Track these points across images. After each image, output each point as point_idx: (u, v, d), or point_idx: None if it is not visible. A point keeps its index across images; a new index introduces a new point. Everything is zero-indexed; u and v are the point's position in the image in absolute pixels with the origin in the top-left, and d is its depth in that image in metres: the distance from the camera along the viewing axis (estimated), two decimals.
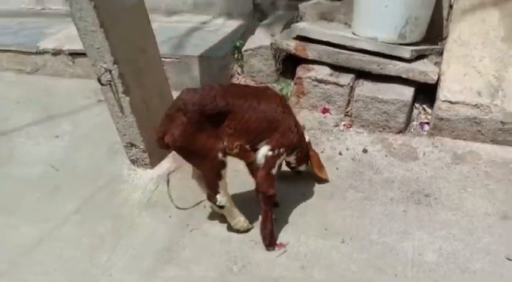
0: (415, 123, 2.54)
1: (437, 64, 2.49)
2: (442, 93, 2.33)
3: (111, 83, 2.07)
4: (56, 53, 3.34)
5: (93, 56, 2.01)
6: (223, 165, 1.78)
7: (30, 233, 2.13)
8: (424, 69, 2.42)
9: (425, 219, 1.97)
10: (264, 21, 3.12)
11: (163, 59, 2.95)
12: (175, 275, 1.85)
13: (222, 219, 2.05)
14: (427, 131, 2.46)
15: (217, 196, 1.84)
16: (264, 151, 1.81)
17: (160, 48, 3.10)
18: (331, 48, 2.60)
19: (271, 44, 2.77)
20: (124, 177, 2.43)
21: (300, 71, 2.67)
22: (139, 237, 2.05)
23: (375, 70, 2.50)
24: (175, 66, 2.98)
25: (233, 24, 3.30)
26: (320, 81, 2.58)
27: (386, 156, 2.36)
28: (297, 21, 3.07)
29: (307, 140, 2.09)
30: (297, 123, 1.92)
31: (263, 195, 1.83)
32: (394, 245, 1.87)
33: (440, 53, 2.53)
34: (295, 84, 2.68)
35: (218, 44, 3.03)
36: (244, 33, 3.15)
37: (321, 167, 2.18)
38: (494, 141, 2.30)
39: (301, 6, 3.05)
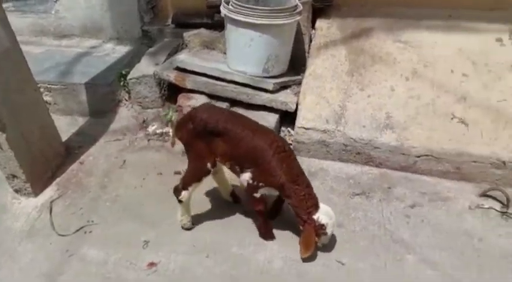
0: None
1: (297, 94, 2.89)
2: (299, 121, 2.74)
3: None
4: None
5: None
6: (207, 173, 2.17)
7: None
8: (284, 100, 2.81)
9: (278, 232, 2.32)
10: (150, 49, 3.33)
11: (50, 86, 3.08)
12: None
13: (100, 244, 2.26)
14: None
15: (183, 192, 2.20)
16: (245, 177, 2.12)
17: (47, 75, 3.22)
18: (208, 80, 2.90)
19: (154, 74, 3.00)
20: (7, 206, 2.52)
21: (181, 99, 2.93)
22: (19, 265, 2.19)
23: (245, 99, 2.84)
24: (62, 92, 3.09)
25: (121, 50, 3.47)
26: None
27: None
28: (182, 49, 3.33)
29: (318, 218, 2.08)
30: (295, 180, 2.05)
31: (254, 210, 2.23)
32: (249, 257, 2.20)
33: (301, 83, 2.94)
34: (176, 111, 2.94)
35: (105, 71, 3.19)
36: (132, 58, 3.33)
37: (305, 245, 2.13)
38: (340, 160, 2.75)
39: (185, 35, 3.31)
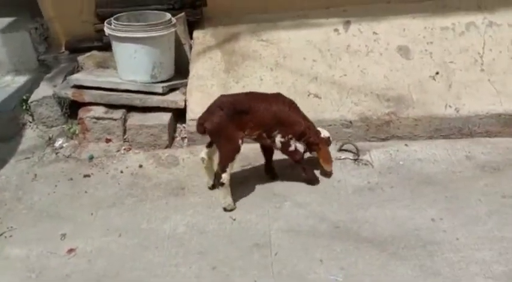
0: (178, 138, 3.37)
1: (185, 93, 3.38)
2: (188, 115, 3.23)
3: None
4: None
5: None
6: (238, 149, 2.57)
7: None
8: (174, 99, 3.29)
9: (180, 205, 2.75)
10: (48, 75, 3.64)
11: None
12: None
13: (21, 243, 2.52)
14: (186, 143, 3.32)
15: (223, 175, 2.56)
16: (278, 138, 2.66)
17: None
18: (103, 92, 3.29)
19: (53, 94, 3.33)
20: None
21: (81, 112, 3.28)
22: None
23: (139, 104, 3.27)
24: None
25: (20, 80, 3.75)
26: (98, 118, 3.24)
27: (156, 167, 3.12)
28: (78, 71, 3.68)
29: (323, 135, 2.82)
30: (305, 118, 2.74)
31: (294, 161, 2.78)
32: (156, 228, 2.59)
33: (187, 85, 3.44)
34: (78, 123, 3.28)
35: (6, 100, 3.47)
36: (32, 86, 3.61)
37: (326, 160, 2.81)
38: None
39: (79, 58, 3.69)
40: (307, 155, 2.89)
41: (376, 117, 3.13)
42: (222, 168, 2.58)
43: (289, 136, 2.68)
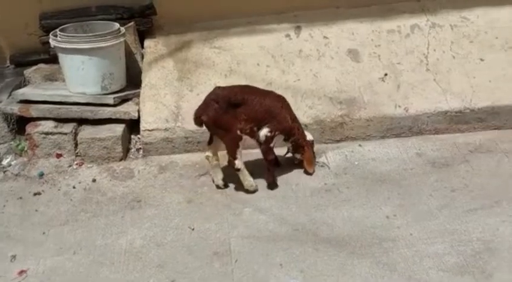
0: (133, 149, 3.30)
1: (138, 104, 3.31)
2: (142, 125, 3.17)
3: None
4: None
5: None
6: (240, 138, 2.66)
7: None
8: (127, 110, 3.22)
9: (136, 218, 2.69)
10: None
11: None
12: None
13: None
14: (142, 154, 3.25)
15: (236, 161, 2.66)
16: (264, 132, 2.71)
17: None
18: (52, 106, 3.18)
19: None
20: None
21: (29, 128, 3.16)
22: None
23: (90, 117, 3.19)
24: None
25: None
26: (47, 133, 3.12)
27: (110, 180, 3.03)
28: (25, 85, 3.54)
29: (309, 138, 2.89)
30: (294, 120, 2.82)
31: (265, 159, 2.81)
32: (113, 244, 2.52)
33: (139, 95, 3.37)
34: (26, 139, 3.15)
35: None
36: None
37: (310, 162, 2.90)
38: (186, 151, 3.21)
39: (26, 72, 3.55)
40: (289, 155, 3.00)
41: (330, 119, 3.19)
42: (232, 155, 2.69)
43: (276, 132, 2.74)
